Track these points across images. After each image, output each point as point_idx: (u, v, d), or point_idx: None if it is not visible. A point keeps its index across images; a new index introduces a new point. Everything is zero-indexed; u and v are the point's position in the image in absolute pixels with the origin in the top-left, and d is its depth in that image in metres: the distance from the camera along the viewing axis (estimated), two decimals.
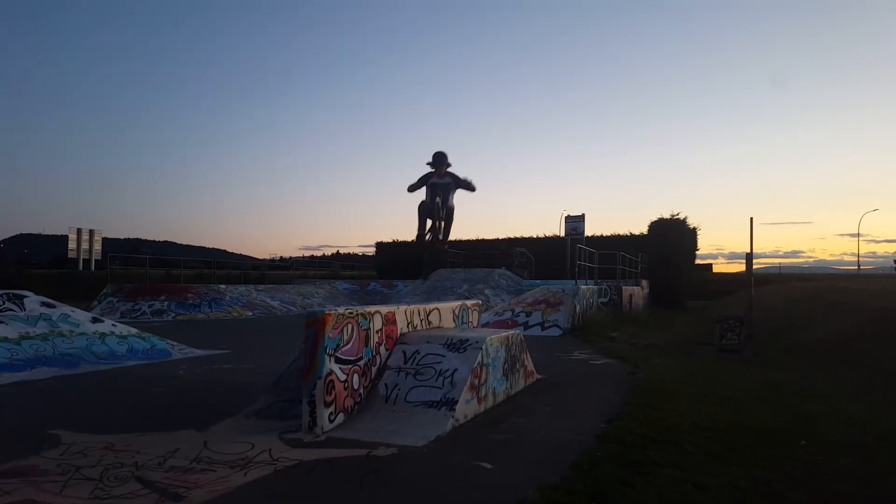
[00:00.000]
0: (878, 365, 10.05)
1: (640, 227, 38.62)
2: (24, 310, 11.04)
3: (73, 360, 10.22)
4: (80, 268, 36.59)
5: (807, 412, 7.11)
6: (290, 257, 61.22)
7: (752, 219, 14.09)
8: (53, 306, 11.66)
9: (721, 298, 27.36)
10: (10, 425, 6.38)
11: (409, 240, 44.35)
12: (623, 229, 39.46)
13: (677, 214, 30.44)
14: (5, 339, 9.89)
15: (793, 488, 4.46)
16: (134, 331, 12.37)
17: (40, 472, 4.71)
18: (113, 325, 12.31)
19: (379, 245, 46.32)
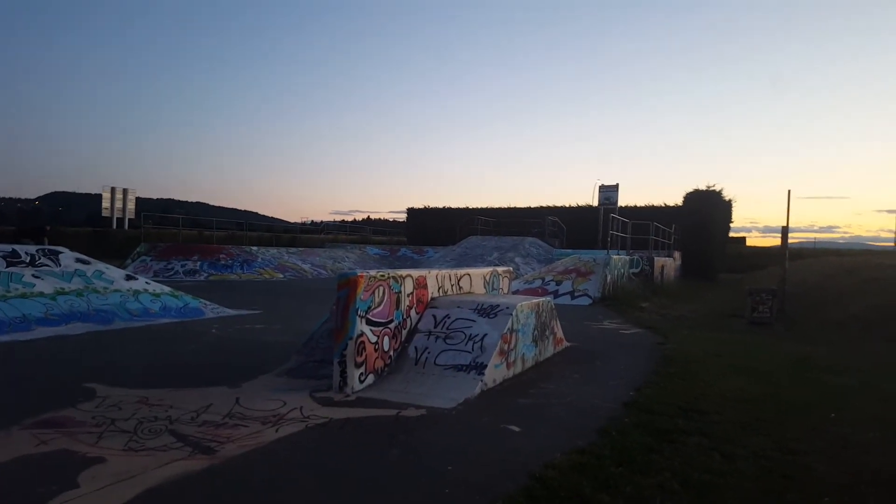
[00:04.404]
0: None
1: (675, 199, 38.23)
2: (60, 265, 11.26)
3: (107, 316, 10.45)
4: (114, 226, 37.11)
5: (837, 386, 7.02)
6: (321, 221, 61.35)
7: (789, 192, 13.82)
8: (88, 263, 11.87)
9: (754, 272, 26.98)
10: (47, 378, 6.55)
11: (441, 206, 44.41)
12: (657, 200, 39.17)
13: (713, 186, 30.07)
14: (41, 294, 10.12)
15: (820, 460, 4.41)
16: (167, 289, 12.56)
17: (76, 424, 4.84)
18: (146, 282, 12.51)
19: (410, 211, 46.44)
